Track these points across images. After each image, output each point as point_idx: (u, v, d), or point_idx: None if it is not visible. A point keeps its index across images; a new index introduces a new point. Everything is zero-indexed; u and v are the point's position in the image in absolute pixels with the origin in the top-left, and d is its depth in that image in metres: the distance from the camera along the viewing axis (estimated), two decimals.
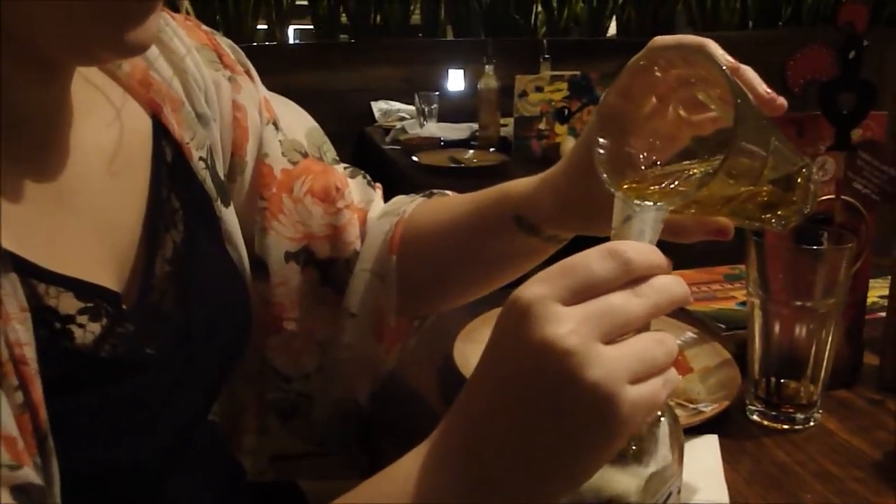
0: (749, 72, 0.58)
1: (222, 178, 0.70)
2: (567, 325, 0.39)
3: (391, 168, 2.58)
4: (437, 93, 3.00)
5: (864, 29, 0.79)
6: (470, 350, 0.91)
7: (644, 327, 0.42)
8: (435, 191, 0.83)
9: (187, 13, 3.19)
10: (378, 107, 3.22)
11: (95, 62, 0.57)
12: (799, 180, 0.58)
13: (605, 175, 0.52)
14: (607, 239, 0.46)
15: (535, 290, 0.41)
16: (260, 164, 0.73)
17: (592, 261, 0.41)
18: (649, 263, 0.42)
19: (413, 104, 3.02)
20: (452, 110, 3.06)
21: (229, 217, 0.69)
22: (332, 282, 0.77)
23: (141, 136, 0.61)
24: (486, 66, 2.71)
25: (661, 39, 0.58)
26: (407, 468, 0.44)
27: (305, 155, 0.77)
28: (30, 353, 0.45)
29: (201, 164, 0.66)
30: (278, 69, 3.27)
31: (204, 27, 0.73)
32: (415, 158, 2.50)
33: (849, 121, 0.81)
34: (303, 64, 3.26)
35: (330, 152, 0.80)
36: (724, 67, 0.51)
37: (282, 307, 0.75)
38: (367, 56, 3.35)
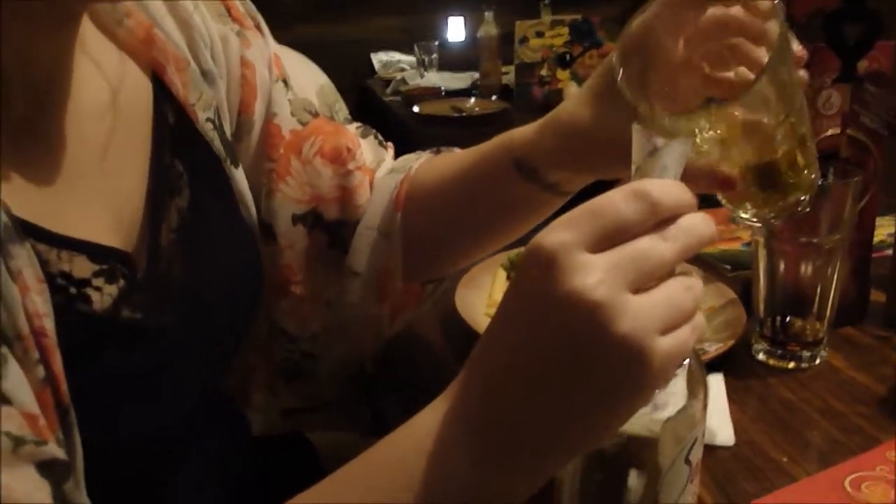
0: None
1: (230, 137, 0.68)
2: (595, 276, 0.37)
3: (393, 120, 2.56)
4: (436, 42, 2.96)
5: None
6: (472, 296, 0.90)
7: (671, 270, 0.41)
8: (443, 148, 0.81)
9: None
10: (378, 58, 3.18)
11: None
12: (806, 173, 0.57)
13: (627, 92, 0.49)
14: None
15: (559, 236, 0.38)
16: (268, 123, 0.71)
17: (618, 203, 0.39)
18: (677, 203, 0.40)
19: (413, 55, 2.99)
20: (453, 59, 3.03)
21: (240, 177, 0.67)
22: (340, 244, 0.75)
23: (141, 99, 0.59)
24: (486, 13, 2.67)
25: None
26: (423, 427, 0.42)
27: (316, 115, 0.74)
28: (49, 324, 0.44)
29: (209, 126, 0.64)
30: (275, 24, 3.23)
31: None
32: (416, 109, 2.47)
33: (855, 52, 0.79)
34: (300, 17, 3.21)
35: (342, 111, 0.78)
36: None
37: (290, 270, 0.74)
38: (365, 7, 3.29)
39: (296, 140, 0.72)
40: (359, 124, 0.81)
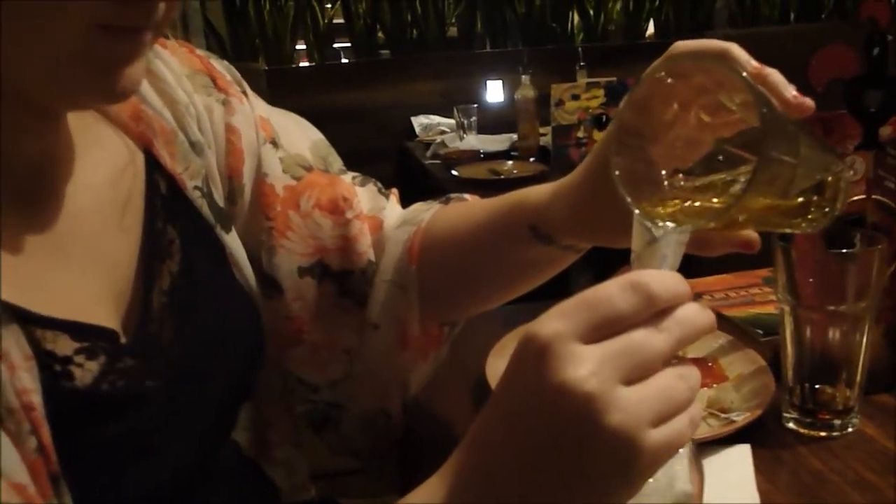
0: (775, 75, 0.57)
1: (221, 204, 0.71)
2: (587, 367, 0.38)
3: (433, 183, 2.60)
4: (475, 105, 3.01)
5: (887, 24, 0.77)
6: (502, 366, 0.90)
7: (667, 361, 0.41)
8: (452, 196, 0.83)
9: (220, 40, 3.25)
10: (418, 122, 3.24)
11: (84, 108, 0.59)
12: (829, 180, 0.56)
13: (627, 197, 0.49)
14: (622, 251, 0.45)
15: (553, 325, 0.40)
16: (261, 183, 0.74)
17: (614, 294, 0.40)
18: (673, 294, 0.41)
19: (453, 117, 3.04)
20: (492, 122, 3.07)
21: (233, 242, 0.70)
22: (350, 293, 0.77)
23: (134, 171, 0.62)
24: (523, 77, 2.71)
25: (680, 45, 0.58)
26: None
27: (310, 169, 0.77)
28: (36, 398, 0.47)
29: (197, 193, 0.66)
30: (318, 90, 3.33)
31: (198, 52, 0.74)
32: (454, 172, 2.50)
33: (876, 118, 0.79)
34: (342, 83, 3.30)
35: (336, 163, 0.80)
36: (745, 75, 0.48)
37: (300, 321, 0.76)
38: (406, 72, 3.37)
39: (292, 196, 0.75)
40: (355, 174, 0.83)
